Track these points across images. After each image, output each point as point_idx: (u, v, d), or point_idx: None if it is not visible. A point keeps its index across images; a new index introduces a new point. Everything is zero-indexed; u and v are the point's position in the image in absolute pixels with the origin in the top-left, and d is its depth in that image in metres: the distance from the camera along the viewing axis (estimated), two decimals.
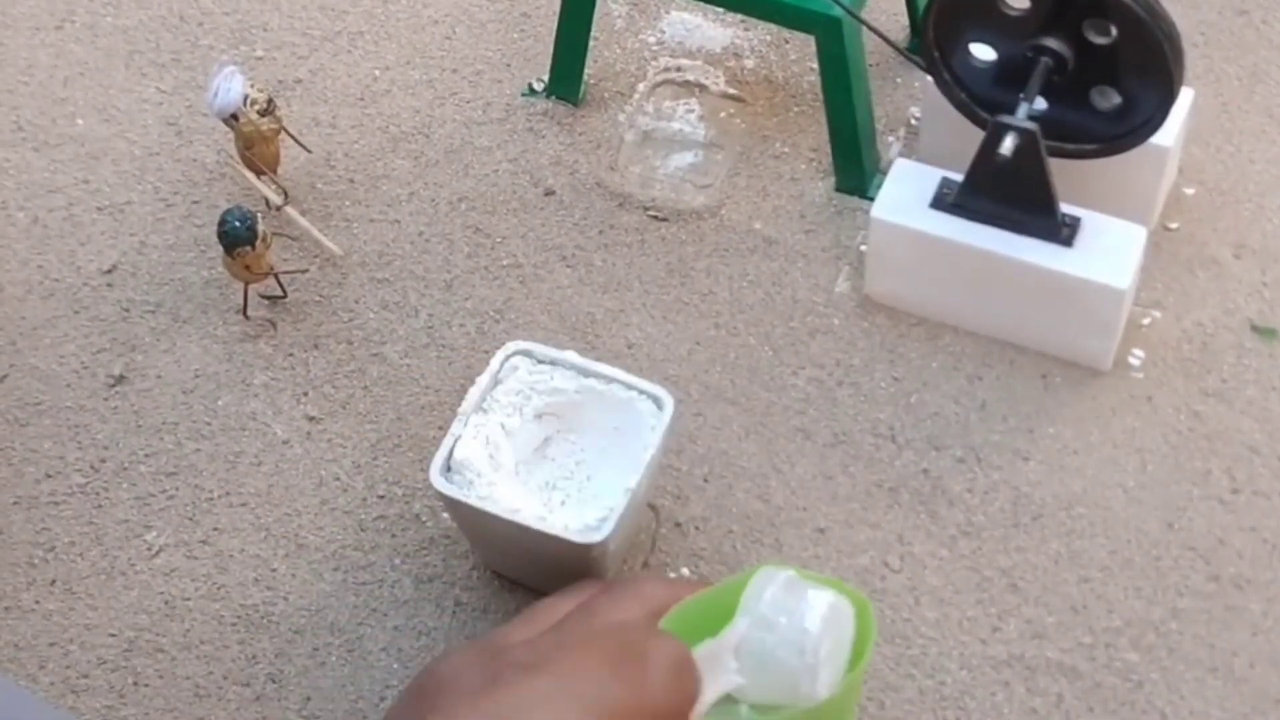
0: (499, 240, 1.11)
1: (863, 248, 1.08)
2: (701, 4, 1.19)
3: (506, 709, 0.45)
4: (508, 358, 0.92)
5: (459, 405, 0.91)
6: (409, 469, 0.99)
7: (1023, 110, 0.96)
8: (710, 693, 0.48)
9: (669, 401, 0.90)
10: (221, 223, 1.02)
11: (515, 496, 0.89)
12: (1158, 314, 1.04)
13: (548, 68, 1.19)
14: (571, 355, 0.92)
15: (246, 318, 1.07)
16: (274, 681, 0.91)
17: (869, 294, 1.06)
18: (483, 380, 0.91)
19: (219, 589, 0.95)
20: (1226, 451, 0.98)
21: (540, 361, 0.92)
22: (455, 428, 0.89)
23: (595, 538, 0.85)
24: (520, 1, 1.28)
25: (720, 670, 0.48)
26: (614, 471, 0.89)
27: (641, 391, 0.91)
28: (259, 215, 1.04)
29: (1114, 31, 0.95)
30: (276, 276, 1.07)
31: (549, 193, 1.14)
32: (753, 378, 1.03)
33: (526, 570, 0.93)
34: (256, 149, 1.10)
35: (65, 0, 1.29)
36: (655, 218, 1.12)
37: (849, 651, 0.52)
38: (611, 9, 1.27)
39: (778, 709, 0.52)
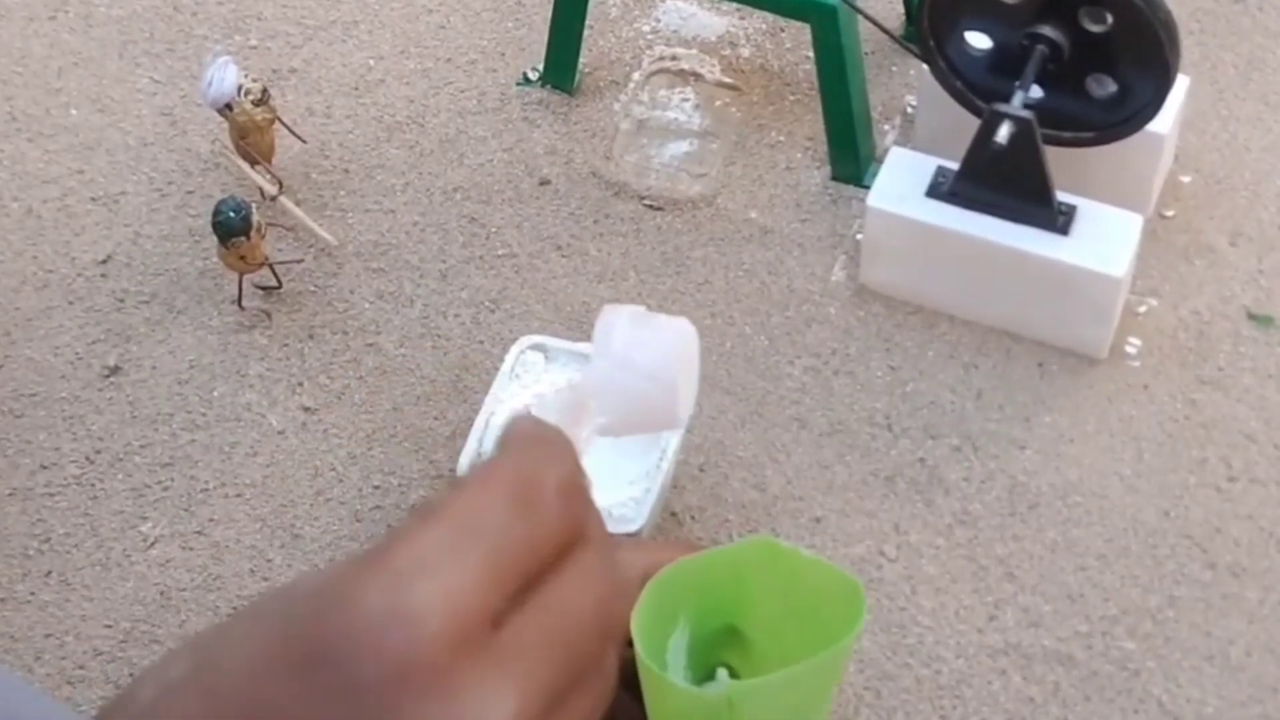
0: (494, 230, 1.11)
1: (858, 236, 1.08)
2: None
3: (403, 563, 0.38)
4: (522, 353, 0.94)
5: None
6: (405, 459, 0.99)
7: (1018, 98, 0.96)
8: (580, 442, 0.49)
9: None
10: (216, 213, 1.02)
11: None
12: (1154, 302, 1.04)
13: (542, 57, 1.19)
14: (585, 347, 0.93)
15: (241, 308, 1.07)
16: None
17: (865, 283, 1.06)
18: (501, 374, 0.93)
19: (215, 580, 0.95)
20: (1223, 440, 0.98)
21: (554, 354, 0.95)
22: (480, 420, 0.91)
23: (630, 528, 0.87)
24: None
25: (584, 415, 0.50)
26: (626, 463, 0.90)
27: None
28: (253, 205, 1.04)
29: (1110, 19, 0.94)
30: (271, 267, 1.06)
31: (544, 182, 1.14)
32: (749, 367, 1.03)
33: None
34: (251, 139, 1.10)
35: None
36: (651, 207, 1.12)
37: (698, 370, 0.54)
38: None
39: (758, 674, 0.54)
